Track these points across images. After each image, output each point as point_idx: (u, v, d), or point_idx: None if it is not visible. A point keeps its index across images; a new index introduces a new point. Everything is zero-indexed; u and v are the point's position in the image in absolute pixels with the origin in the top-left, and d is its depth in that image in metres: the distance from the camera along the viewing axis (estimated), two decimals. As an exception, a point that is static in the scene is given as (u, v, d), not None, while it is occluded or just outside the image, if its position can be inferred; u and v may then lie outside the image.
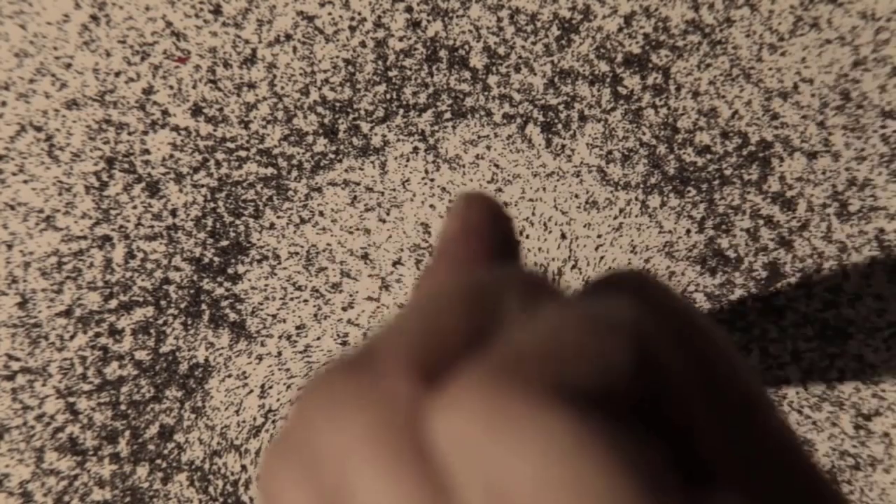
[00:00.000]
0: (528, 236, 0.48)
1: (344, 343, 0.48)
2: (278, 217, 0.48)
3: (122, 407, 0.47)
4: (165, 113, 0.48)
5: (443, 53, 0.48)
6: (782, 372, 0.47)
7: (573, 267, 0.48)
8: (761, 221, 0.47)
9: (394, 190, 0.48)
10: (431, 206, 0.48)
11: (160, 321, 0.48)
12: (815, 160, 0.47)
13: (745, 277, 0.47)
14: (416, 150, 0.48)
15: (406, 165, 0.48)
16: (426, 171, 0.48)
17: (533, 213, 0.48)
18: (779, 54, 0.47)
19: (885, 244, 0.47)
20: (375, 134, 0.48)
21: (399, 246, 0.48)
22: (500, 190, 0.48)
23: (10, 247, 0.48)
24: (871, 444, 0.46)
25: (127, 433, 0.47)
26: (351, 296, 0.48)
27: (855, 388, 0.46)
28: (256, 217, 0.48)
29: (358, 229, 0.48)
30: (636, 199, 0.48)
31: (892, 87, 0.47)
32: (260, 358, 0.48)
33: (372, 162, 0.48)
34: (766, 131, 0.47)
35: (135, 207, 0.48)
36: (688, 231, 0.47)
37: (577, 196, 0.48)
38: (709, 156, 0.48)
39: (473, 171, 0.48)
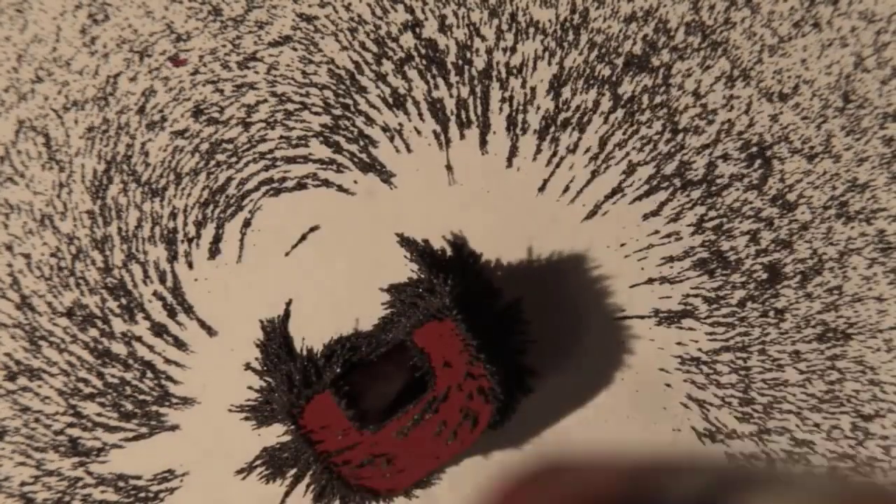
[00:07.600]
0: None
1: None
2: (280, 220, 0.48)
3: (126, 408, 0.47)
4: (165, 114, 0.48)
5: (443, 57, 0.48)
6: (782, 373, 0.47)
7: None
8: (761, 223, 0.47)
9: (395, 197, 0.48)
10: (433, 215, 0.48)
11: (162, 323, 0.48)
12: (815, 162, 0.47)
13: (746, 279, 0.47)
14: (418, 156, 0.48)
15: (408, 173, 0.48)
16: (429, 180, 0.48)
17: (534, 220, 0.48)
18: (779, 56, 0.47)
19: (885, 246, 0.47)
20: (377, 139, 0.48)
21: (401, 252, 0.48)
22: (498, 197, 0.48)
23: (9, 248, 0.48)
24: (869, 446, 0.46)
25: (130, 435, 0.47)
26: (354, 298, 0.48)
27: (854, 390, 0.46)
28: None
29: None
30: (636, 201, 0.48)
31: (893, 88, 0.47)
32: (260, 360, 0.48)
33: (374, 168, 0.48)
34: (766, 133, 0.47)
35: (134, 209, 0.48)
36: (687, 233, 0.47)
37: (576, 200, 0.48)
38: (708, 157, 0.47)
39: (475, 180, 0.48)
